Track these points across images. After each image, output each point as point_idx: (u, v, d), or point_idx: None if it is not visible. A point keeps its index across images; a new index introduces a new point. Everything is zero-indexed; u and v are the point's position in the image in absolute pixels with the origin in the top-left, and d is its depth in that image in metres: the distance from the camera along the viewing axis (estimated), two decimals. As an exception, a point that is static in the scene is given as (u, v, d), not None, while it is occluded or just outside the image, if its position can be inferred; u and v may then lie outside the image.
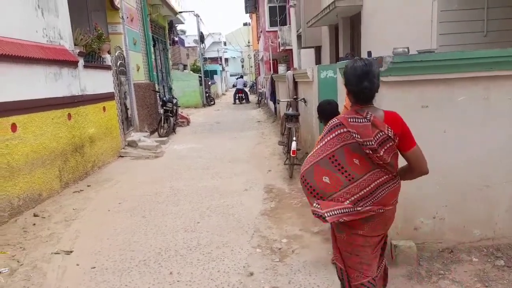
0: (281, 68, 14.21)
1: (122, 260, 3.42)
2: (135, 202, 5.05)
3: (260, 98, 20.90)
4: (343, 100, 4.05)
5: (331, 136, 1.96)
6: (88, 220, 4.49)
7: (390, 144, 1.89)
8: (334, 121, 2.00)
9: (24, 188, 4.63)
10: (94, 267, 3.32)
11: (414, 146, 1.94)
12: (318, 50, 13.76)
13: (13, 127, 4.51)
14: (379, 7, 7.58)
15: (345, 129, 1.93)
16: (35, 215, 4.56)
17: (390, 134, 1.88)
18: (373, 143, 1.87)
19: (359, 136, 1.89)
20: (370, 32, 8.12)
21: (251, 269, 3.17)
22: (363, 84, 1.91)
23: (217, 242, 3.73)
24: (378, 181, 1.94)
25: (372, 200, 1.94)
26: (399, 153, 1.97)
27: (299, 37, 12.96)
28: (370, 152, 1.89)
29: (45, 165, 5.12)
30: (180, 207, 4.79)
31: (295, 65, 10.57)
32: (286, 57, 17.88)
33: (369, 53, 4.52)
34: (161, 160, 7.71)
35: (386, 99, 2.89)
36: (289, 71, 7.94)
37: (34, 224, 4.30)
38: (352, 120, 1.94)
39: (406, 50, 2.89)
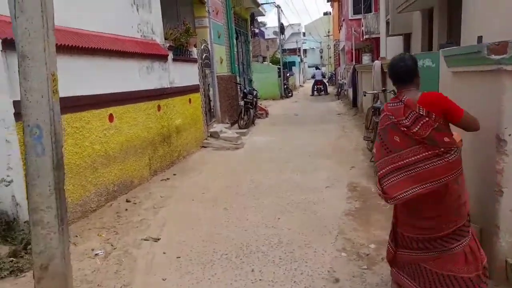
0: (365, 58, 13.47)
1: (205, 252, 3.45)
2: (217, 193, 5.13)
3: (339, 89, 20.17)
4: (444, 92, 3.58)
5: (380, 118, 2.42)
6: (174, 208, 4.67)
7: (424, 120, 2.14)
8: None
9: (118, 175, 4.97)
10: (179, 257, 3.40)
11: (461, 116, 2.20)
12: (407, 38, 12.72)
13: (110, 117, 4.85)
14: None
15: (385, 113, 2.33)
16: (127, 201, 4.87)
17: (421, 112, 2.15)
18: (405, 121, 2.18)
19: (393, 117, 2.24)
20: (473, 17, 7.18)
21: (336, 275, 2.96)
22: (398, 65, 2.33)
23: (299, 241, 3.58)
24: (417, 156, 2.16)
25: (409, 172, 2.17)
26: (449, 130, 2.22)
27: (386, 24, 12.10)
28: (405, 129, 2.17)
29: (137, 154, 5.45)
30: (261, 200, 4.74)
31: (381, 54, 9.89)
32: (369, 46, 16.91)
33: (480, 38, 3.93)
34: (241, 152, 7.79)
35: (510, 91, 2.44)
36: (376, 61, 7.42)
37: (126, 210, 4.59)
38: (390, 105, 2.35)
39: (538, 33, 2.39)
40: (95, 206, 4.47)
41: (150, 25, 6.19)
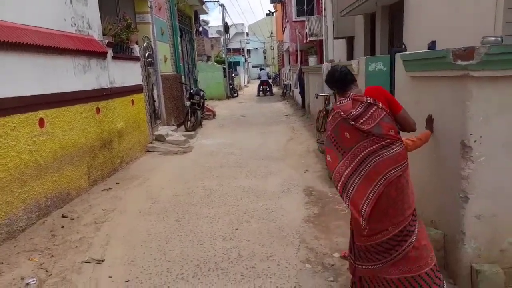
0: (312, 60, 13.67)
1: (158, 273, 3.09)
2: (166, 203, 4.74)
3: (285, 90, 20.38)
4: (400, 100, 3.58)
5: (329, 120, 2.38)
6: (118, 222, 4.20)
7: (374, 109, 2.21)
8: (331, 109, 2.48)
9: (52, 187, 4.39)
10: (128, 281, 3.01)
11: (400, 109, 2.37)
12: (350, 41, 13.12)
13: (41, 122, 4.25)
14: (426, -6, 6.94)
15: (334, 111, 2.34)
16: (63, 216, 4.31)
17: (369, 101, 2.23)
18: (355, 112, 2.22)
19: (343, 112, 2.25)
20: (414, 22, 7.50)
21: (304, 291, 2.78)
22: (335, 74, 2.44)
23: (260, 253, 3.36)
24: (366, 150, 2.18)
25: (363, 172, 2.18)
26: (394, 123, 2.28)
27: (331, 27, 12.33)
28: (353, 122, 2.19)
29: (73, 162, 4.87)
30: (216, 209, 4.45)
31: (326, 56, 10.03)
32: (314, 48, 17.27)
33: (433, 44, 4.01)
34: (190, 156, 7.40)
35: (476, 98, 2.41)
36: (325, 63, 7.45)
37: (63, 227, 4.05)
38: (338, 103, 2.38)
39: (499, 39, 2.40)
40: (25, 225, 3.87)
41: (86, 19, 5.59)
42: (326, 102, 6.60)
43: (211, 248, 3.50)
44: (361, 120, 2.19)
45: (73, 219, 4.28)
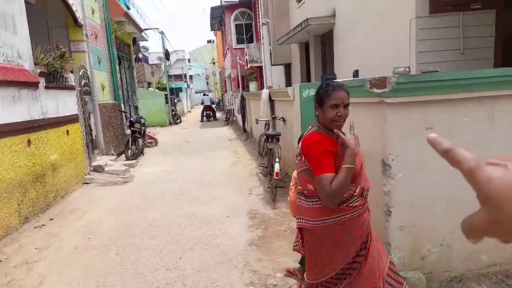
0: (252, 86, 14.09)
1: (97, 311, 2.97)
2: (106, 237, 4.56)
3: (228, 115, 20.65)
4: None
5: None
6: (53, 261, 3.96)
7: (298, 159, 2.13)
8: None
9: (-25, 228, 4.04)
10: (64, 322, 2.85)
11: (316, 176, 1.91)
12: (287, 67, 13.79)
13: (-37, 158, 3.95)
14: (353, 26, 7.62)
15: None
16: (-11, 259, 3.97)
17: (298, 151, 2.15)
18: (297, 151, 2.17)
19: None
20: (343, 51, 8.16)
21: (248, 313, 2.83)
22: None
23: (205, 280, 3.36)
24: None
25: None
26: (312, 180, 1.99)
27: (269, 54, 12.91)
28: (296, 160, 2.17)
29: (1, 199, 4.53)
30: (158, 240, 4.37)
31: (265, 82, 10.46)
32: (254, 74, 17.84)
33: (356, 72, 4.41)
34: (131, 186, 7.19)
35: (391, 121, 2.72)
36: (264, 89, 7.76)
37: (-11, 270, 3.73)
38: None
39: (407, 69, 2.75)
40: None
41: (16, 49, 5.36)
42: (266, 127, 6.85)
43: (154, 280, 3.44)
44: (297, 161, 2.13)
45: (1, 261, 3.96)
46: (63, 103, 6.72)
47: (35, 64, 5.90)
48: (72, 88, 7.23)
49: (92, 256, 4.02)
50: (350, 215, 2.00)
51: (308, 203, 2.06)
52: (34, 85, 5.61)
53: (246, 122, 13.43)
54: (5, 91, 4.84)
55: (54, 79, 6.55)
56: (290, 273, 3.24)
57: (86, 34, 8.43)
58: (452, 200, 2.82)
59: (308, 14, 8.91)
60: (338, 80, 3.75)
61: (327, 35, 9.27)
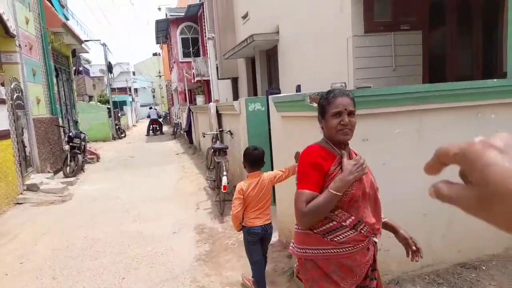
0: (199, 99, 14.01)
1: None
2: (41, 260, 4.24)
3: (175, 129, 20.30)
4: (275, 136, 3.98)
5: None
6: (-23, 291, 3.60)
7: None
8: None
9: None
10: None
11: (297, 189, 1.72)
12: (235, 81, 13.93)
13: None
14: (295, 43, 7.91)
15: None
16: None
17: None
18: None
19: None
20: (287, 66, 8.42)
21: (195, 331, 2.77)
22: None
23: (150, 300, 3.24)
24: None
25: None
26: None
27: (216, 68, 12.97)
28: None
29: None
30: (100, 260, 4.14)
31: (213, 96, 10.48)
32: (201, 87, 17.77)
33: (298, 87, 4.58)
34: (69, 205, 6.76)
35: (330, 133, 2.85)
36: (211, 103, 7.77)
37: None
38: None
39: (343, 84, 2.92)
40: None
41: None
42: (214, 140, 6.84)
43: (95, 303, 3.25)
44: None
45: None
46: (-8, 118, 6.21)
47: (-41, 75, 5.41)
48: (2, 102, 6.70)
49: (25, 282, 3.72)
50: (335, 251, 1.71)
51: (296, 225, 1.84)
52: (-43, 98, 5.14)
53: (193, 136, 13.30)
54: None
55: (-18, 91, 6.04)
56: (246, 280, 3.24)
57: (19, 45, 7.91)
58: (389, 207, 3.00)
59: (253, 30, 9.11)
60: (278, 95, 3.88)
61: (272, 51, 9.54)
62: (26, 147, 7.64)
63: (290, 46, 8.19)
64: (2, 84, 6.79)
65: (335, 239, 1.70)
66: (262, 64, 10.26)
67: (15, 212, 6.35)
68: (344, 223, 1.69)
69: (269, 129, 5.23)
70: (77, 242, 4.75)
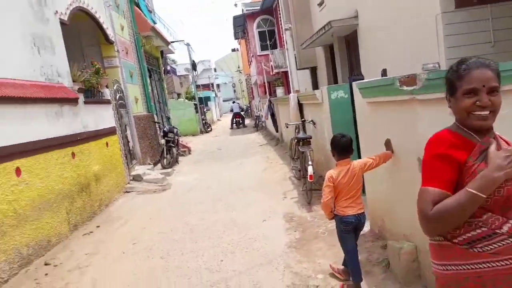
0: (279, 91, 14.21)
1: (148, 311, 3.14)
2: (150, 242, 4.78)
3: (257, 121, 20.84)
4: (361, 123, 3.91)
5: None
6: (103, 265, 4.20)
7: None
8: None
9: (32, 236, 4.35)
10: (119, 321, 3.04)
11: (421, 186, 1.42)
12: (313, 71, 13.81)
13: (18, 171, 4.28)
14: (376, 25, 7.58)
15: None
16: (46, 264, 4.26)
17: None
18: None
19: None
20: (368, 50, 8.12)
21: (292, 312, 2.91)
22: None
23: (247, 282, 3.47)
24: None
25: None
26: None
27: (294, 59, 12.99)
28: None
29: (52, 209, 4.85)
30: (199, 244, 4.53)
31: (292, 87, 10.54)
32: (280, 79, 17.96)
33: (384, 71, 4.42)
34: (169, 193, 7.45)
35: (425, 118, 2.73)
36: (292, 94, 7.85)
37: (47, 274, 4.01)
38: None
39: (436, 65, 2.76)
40: (7, 276, 3.81)
41: (55, 68, 5.72)
42: (297, 130, 6.92)
43: (199, 282, 3.58)
44: None
45: (56, 266, 4.24)
46: (101, 117, 7.09)
47: (73, 81, 6.26)
48: (108, 102, 7.60)
49: (139, 260, 4.23)
50: (489, 265, 1.33)
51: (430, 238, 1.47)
52: (74, 101, 5.97)
53: (276, 127, 13.54)
54: (49, 107, 5.19)
55: (91, 94, 6.92)
56: (334, 271, 3.30)
57: (118, 50, 8.83)
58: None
59: (331, 17, 8.93)
60: (363, 80, 3.79)
61: (351, 36, 9.25)
62: (129, 142, 8.57)
63: (370, 30, 7.87)
64: (107, 87, 7.68)
65: (487, 249, 1.32)
66: (341, 51, 10.02)
67: (124, 199, 7.19)
68: (498, 230, 1.31)
69: (354, 117, 5.16)
70: (178, 227, 5.24)
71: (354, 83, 3.99)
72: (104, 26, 8.13)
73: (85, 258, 4.43)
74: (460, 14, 5.30)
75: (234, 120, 23.64)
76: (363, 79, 4.91)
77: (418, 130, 2.78)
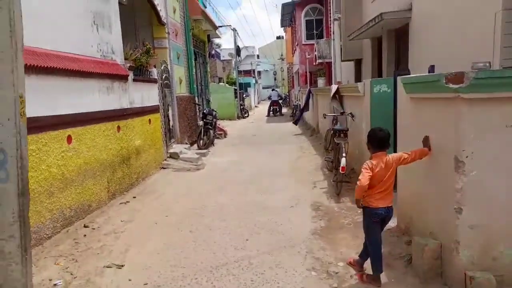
0: (320, 82, 14.06)
1: (174, 278, 3.34)
2: (181, 216, 5.01)
3: (294, 110, 20.75)
4: (402, 118, 3.85)
5: None
6: (136, 232, 4.48)
7: None
8: None
9: (75, 199, 4.71)
10: (147, 283, 3.26)
11: None
12: (358, 63, 13.49)
13: (69, 139, 4.62)
14: (430, 20, 7.28)
15: None
16: (85, 226, 4.61)
17: None
18: None
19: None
20: (419, 45, 7.82)
21: (309, 295, 2.99)
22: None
23: (269, 262, 3.58)
24: None
25: None
26: None
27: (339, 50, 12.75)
28: None
29: (95, 177, 5.20)
30: (227, 222, 4.70)
31: (334, 77, 10.41)
32: (323, 70, 17.70)
33: (432, 68, 4.29)
34: (202, 173, 7.70)
35: (467, 117, 2.68)
36: (333, 85, 7.77)
37: (85, 235, 4.34)
38: None
39: (487, 64, 2.68)
40: (50, 233, 4.18)
41: (110, 45, 6.04)
42: (334, 122, 6.88)
43: (223, 256, 3.74)
44: None
45: (94, 229, 4.57)
46: (147, 95, 7.40)
47: (125, 59, 6.58)
48: (155, 81, 7.91)
49: (169, 231, 4.47)
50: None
51: None
52: (124, 78, 6.29)
53: (300, 116, 13.27)
54: (101, 82, 5.51)
55: (140, 72, 7.23)
56: (351, 263, 3.34)
57: (168, 32, 9.12)
58: (530, 201, 2.69)
59: (382, 8, 8.66)
60: (408, 76, 3.72)
61: (401, 30, 8.93)
62: (170, 120, 8.89)
63: (424, 24, 7.57)
64: (154, 66, 7.98)
65: None
66: (390, 44, 9.69)
67: (161, 175, 7.53)
68: None
69: (395, 112, 5.06)
70: (209, 204, 5.45)
71: (398, 78, 3.92)
72: (158, 7, 8.41)
73: (121, 224, 4.74)
74: (522, 12, 4.98)
75: (271, 107, 23.67)
76: (409, 74, 4.80)
77: (458, 129, 2.72)
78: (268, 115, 23.50)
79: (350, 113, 6.32)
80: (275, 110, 23.68)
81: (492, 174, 2.72)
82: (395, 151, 3.96)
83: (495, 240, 2.78)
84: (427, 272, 3.03)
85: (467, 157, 2.71)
